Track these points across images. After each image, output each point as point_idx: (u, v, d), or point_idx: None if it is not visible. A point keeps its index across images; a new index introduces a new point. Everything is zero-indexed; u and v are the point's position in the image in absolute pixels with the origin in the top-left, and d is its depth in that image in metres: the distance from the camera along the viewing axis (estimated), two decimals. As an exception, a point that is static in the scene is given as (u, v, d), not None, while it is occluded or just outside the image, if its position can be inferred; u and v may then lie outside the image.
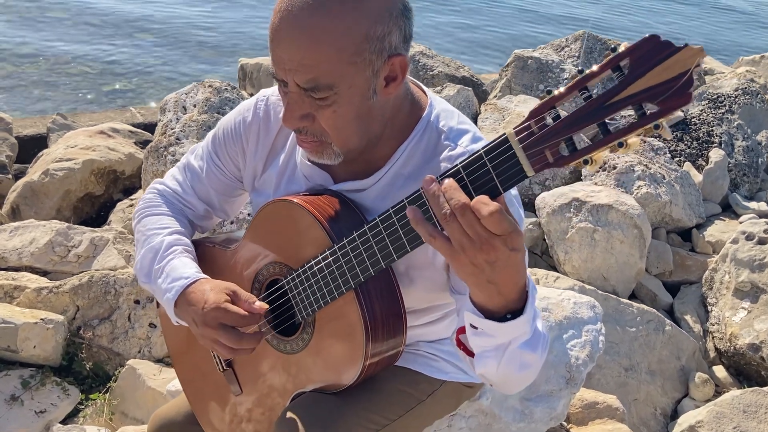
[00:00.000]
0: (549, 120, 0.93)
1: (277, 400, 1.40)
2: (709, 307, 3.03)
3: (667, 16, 12.24)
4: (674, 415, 2.69)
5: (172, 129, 3.28)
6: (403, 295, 1.26)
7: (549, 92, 0.93)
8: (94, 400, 2.46)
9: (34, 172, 3.61)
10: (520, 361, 1.10)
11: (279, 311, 1.33)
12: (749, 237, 2.95)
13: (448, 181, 0.99)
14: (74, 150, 3.70)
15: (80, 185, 3.56)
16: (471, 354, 1.14)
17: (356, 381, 1.28)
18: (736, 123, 4.00)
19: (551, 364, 2.01)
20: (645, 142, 3.53)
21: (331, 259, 1.20)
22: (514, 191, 1.26)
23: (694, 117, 3.98)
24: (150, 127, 4.33)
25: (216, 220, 1.59)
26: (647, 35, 0.87)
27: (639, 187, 3.26)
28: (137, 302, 2.67)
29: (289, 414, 1.32)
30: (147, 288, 1.47)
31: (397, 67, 1.18)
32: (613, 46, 0.90)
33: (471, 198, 0.98)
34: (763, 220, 3.19)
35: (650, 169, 3.36)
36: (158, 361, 2.58)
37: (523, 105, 3.87)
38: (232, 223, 2.88)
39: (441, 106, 1.33)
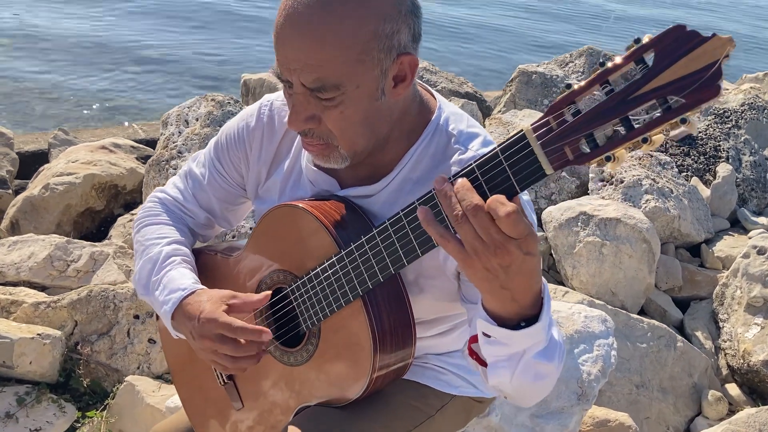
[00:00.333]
0: (568, 116, 0.88)
1: (279, 417, 1.34)
2: (721, 323, 2.97)
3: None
4: (687, 434, 2.62)
5: (174, 142, 3.24)
6: (412, 304, 1.21)
7: (568, 86, 0.88)
8: (91, 417, 2.40)
9: (35, 187, 3.57)
10: (535, 371, 1.05)
11: (283, 321, 1.28)
12: (761, 251, 2.90)
13: (461, 181, 0.94)
14: (75, 164, 3.67)
15: (81, 200, 3.52)
16: (484, 364, 1.09)
17: (363, 394, 1.22)
18: (743, 138, 3.96)
19: (562, 380, 1.95)
20: (652, 156, 3.49)
21: (338, 265, 1.14)
22: (526, 196, 1.21)
23: (700, 132, 3.95)
24: (152, 143, 4.31)
25: (218, 229, 1.54)
26: (673, 25, 0.83)
27: (647, 201, 3.21)
28: (137, 317, 2.61)
29: (292, 428, 1.26)
30: (146, 300, 1.42)
31: (407, 66, 1.14)
32: (636, 37, 0.85)
33: (485, 198, 0.93)
34: (774, 234, 3.14)
35: (658, 183, 3.31)
36: (157, 377, 2.52)
37: (528, 119, 3.84)
38: (233, 237, 2.83)
39: (450, 109, 1.29)
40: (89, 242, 3.01)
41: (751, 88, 4.52)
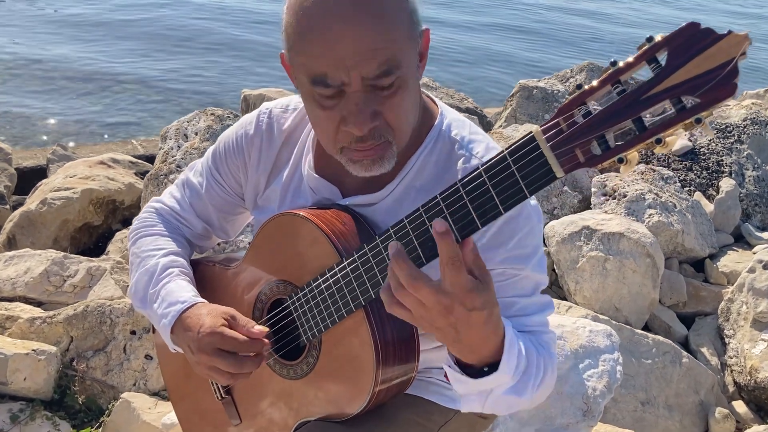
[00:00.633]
0: (579, 117, 0.85)
1: (278, 434, 1.30)
2: (727, 339, 2.93)
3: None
4: (694, 452, 2.57)
5: (173, 157, 3.22)
6: (415, 315, 1.18)
7: (579, 87, 0.85)
8: (86, 435, 2.35)
9: (32, 202, 3.54)
10: (506, 404, 1.08)
11: (282, 333, 1.24)
12: (767, 266, 2.86)
13: (395, 252, 0.93)
14: (73, 179, 3.64)
15: (78, 215, 3.49)
16: None
17: (364, 409, 1.18)
18: (745, 153, 3.94)
19: (567, 396, 1.91)
20: (654, 170, 3.47)
21: (339, 274, 1.11)
22: (533, 201, 1.18)
23: (703, 147, 3.93)
24: (151, 159, 4.28)
25: (215, 240, 1.51)
26: (686, 23, 0.80)
27: (650, 215, 3.18)
28: (133, 333, 2.57)
29: (292, 445, 1.22)
30: (142, 313, 1.38)
31: (425, 41, 1.13)
32: (648, 36, 0.83)
33: (498, 203, 0.91)
34: (779, 249, 3.10)
35: (661, 197, 3.29)
36: (154, 394, 2.47)
37: (530, 134, 3.82)
38: (232, 251, 2.79)
39: (452, 116, 1.26)
40: (86, 257, 2.98)
41: (752, 104, 4.51)
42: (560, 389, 1.89)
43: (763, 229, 3.72)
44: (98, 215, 3.57)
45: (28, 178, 4.24)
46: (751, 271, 2.91)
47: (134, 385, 2.51)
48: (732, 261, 3.33)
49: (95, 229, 3.62)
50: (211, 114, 3.38)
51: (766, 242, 3.52)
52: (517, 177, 0.89)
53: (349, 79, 1.02)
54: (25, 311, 2.65)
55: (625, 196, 3.26)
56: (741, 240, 3.64)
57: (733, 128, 4.03)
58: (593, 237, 2.92)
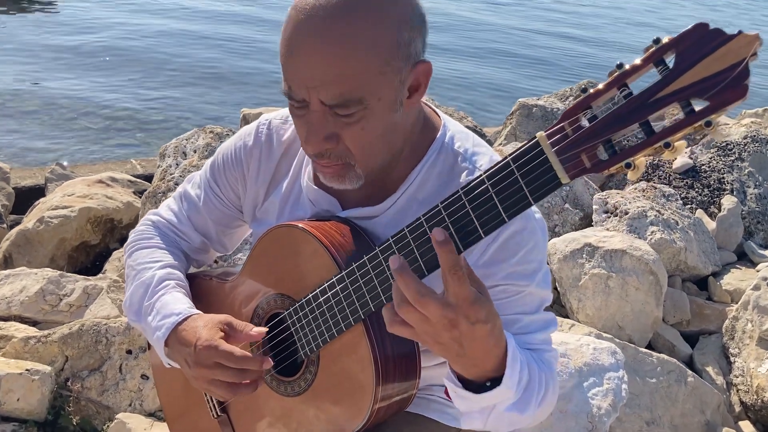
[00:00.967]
0: (584, 121, 0.83)
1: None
2: (732, 358, 2.88)
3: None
4: (701, 473, 2.51)
5: (171, 174, 3.20)
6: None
7: (584, 91, 0.83)
8: (80, 457, 2.30)
9: (29, 220, 3.51)
10: (508, 420, 1.06)
11: (279, 348, 1.21)
12: (771, 283, 2.83)
13: (398, 267, 0.91)
14: (71, 198, 3.62)
15: (76, 233, 3.46)
16: None
17: (363, 427, 1.14)
18: (746, 170, 3.93)
19: (572, 414, 1.87)
20: (656, 188, 3.45)
21: (338, 287, 1.08)
22: (538, 215, 1.16)
23: (704, 164, 3.91)
24: (150, 179, 4.25)
25: (213, 254, 1.48)
26: (694, 24, 0.78)
27: (653, 232, 3.15)
28: (129, 352, 2.53)
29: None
30: (137, 327, 1.35)
31: (421, 74, 1.09)
32: (656, 37, 0.81)
33: (500, 211, 0.88)
34: (783, 266, 3.07)
35: (663, 214, 3.26)
36: (150, 414, 2.43)
37: (530, 152, 3.80)
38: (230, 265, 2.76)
39: (455, 128, 1.24)
40: (83, 276, 2.94)
41: (752, 122, 4.51)
42: (564, 408, 1.85)
43: (766, 247, 3.69)
44: (96, 234, 3.54)
45: (26, 197, 4.21)
46: (756, 288, 2.87)
47: (130, 405, 2.46)
48: (735, 279, 3.29)
49: (92, 248, 3.58)
50: (210, 132, 3.37)
51: (770, 260, 3.49)
52: (521, 183, 0.86)
53: (310, 99, 1.04)
54: (19, 330, 2.61)
55: (626, 213, 3.24)
56: (744, 258, 3.60)
57: (734, 146, 4.02)
58: (595, 254, 2.89)
